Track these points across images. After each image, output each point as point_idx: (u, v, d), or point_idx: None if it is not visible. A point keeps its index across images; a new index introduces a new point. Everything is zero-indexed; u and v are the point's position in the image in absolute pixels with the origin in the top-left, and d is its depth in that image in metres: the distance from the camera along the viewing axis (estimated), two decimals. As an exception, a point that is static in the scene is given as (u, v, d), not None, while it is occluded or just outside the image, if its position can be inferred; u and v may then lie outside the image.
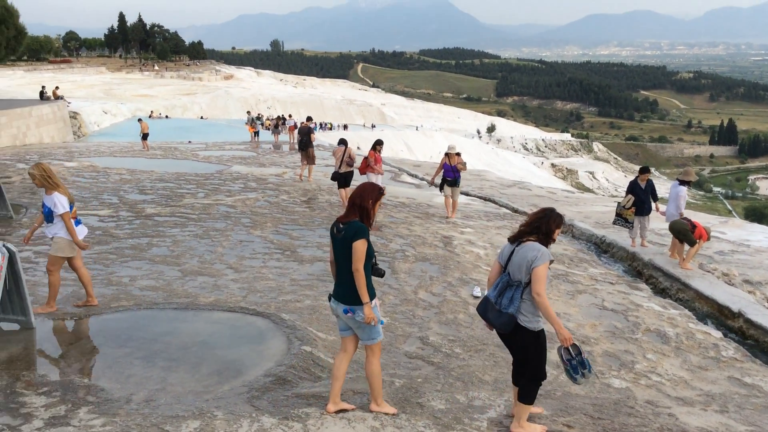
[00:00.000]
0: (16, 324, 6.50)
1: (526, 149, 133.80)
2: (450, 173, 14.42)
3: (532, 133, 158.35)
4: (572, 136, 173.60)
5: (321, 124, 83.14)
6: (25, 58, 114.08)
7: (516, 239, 4.99)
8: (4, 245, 6.11)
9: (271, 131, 37.86)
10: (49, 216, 7.02)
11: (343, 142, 15.04)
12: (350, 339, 5.05)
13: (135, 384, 5.39)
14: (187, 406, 5.02)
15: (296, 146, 22.03)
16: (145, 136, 29.08)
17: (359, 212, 4.82)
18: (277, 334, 6.72)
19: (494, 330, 5.07)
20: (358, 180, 13.17)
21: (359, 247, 4.69)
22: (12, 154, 23.80)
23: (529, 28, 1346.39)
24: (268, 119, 42.91)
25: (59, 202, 6.94)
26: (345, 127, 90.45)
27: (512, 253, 4.93)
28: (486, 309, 5.00)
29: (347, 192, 14.88)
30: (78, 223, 7.27)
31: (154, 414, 4.84)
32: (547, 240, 4.93)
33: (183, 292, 8.04)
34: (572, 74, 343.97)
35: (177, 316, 7.22)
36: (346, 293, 4.83)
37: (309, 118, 21.75)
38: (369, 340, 4.93)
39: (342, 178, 14.54)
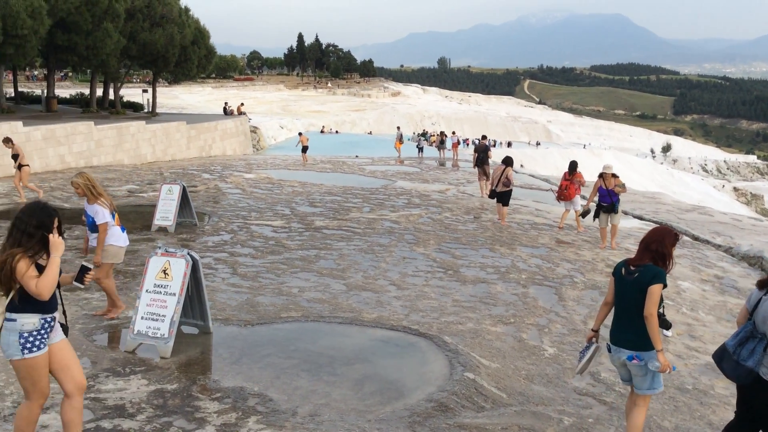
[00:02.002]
0: (195, 328, 6.90)
1: (705, 171, 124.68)
2: (606, 198, 12.73)
3: (712, 153, 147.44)
4: (758, 158, 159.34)
5: (497, 142, 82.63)
6: (214, 75, 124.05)
7: (763, 285, 4.51)
8: (188, 253, 6.50)
9: (436, 147, 38.11)
10: (93, 226, 7.03)
11: (506, 161, 15.19)
12: None
13: (301, 397, 5.48)
14: (350, 425, 5.01)
15: (458, 163, 22.69)
16: (304, 149, 30.18)
17: (654, 256, 4.67)
18: (439, 358, 6.59)
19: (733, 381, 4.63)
20: (551, 204, 12.82)
21: (656, 290, 4.54)
22: (198, 164, 25.80)
23: (712, 42, 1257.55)
24: (433, 135, 43.26)
25: (101, 212, 6.96)
26: (509, 144, 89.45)
27: (759, 301, 4.43)
28: (722, 358, 4.57)
29: (505, 210, 15.06)
30: (123, 230, 7.29)
31: (319, 430, 4.88)
32: None
33: (348, 307, 8.16)
34: (760, 92, 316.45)
35: (342, 331, 7.32)
36: (631, 338, 4.68)
37: (484, 137, 22.69)
38: (649, 390, 4.76)
39: (500, 196, 14.95)
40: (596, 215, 12.96)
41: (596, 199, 13.05)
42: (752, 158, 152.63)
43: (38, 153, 21.02)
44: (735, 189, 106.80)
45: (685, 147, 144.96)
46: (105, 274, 7.10)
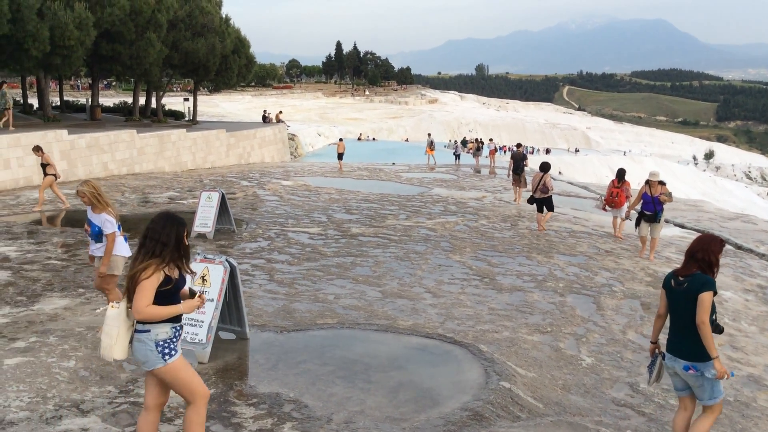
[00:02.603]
0: (232, 334, 6.99)
1: (749, 178, 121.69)
2: (650, 206, 12.23)
3: (757, 160, 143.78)
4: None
5: (534, 149, 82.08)
6: (253, 84, 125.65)
7: None
8: (226, 259, 6.59)
9: (472, 154, 37.99)
10: (99, 236, 6.88)
11: (544, 167, 15.18)
12: (689, 398, 4.91)
13: (336, 404, 5.50)
14: (383, 432, 5.01)
15: (495, 170, 22.92)
16: (340, 156, 30.16)
17: (701, 265, 4.72)
18: (475, 366, 6.55)
19: None
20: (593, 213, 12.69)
21: (707, 298, 4.58)
22: (237, 171, 26.15)
23: (757, 48, 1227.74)
24: (470, 142, 43.13)
25: (109, 222, 6.81)
26: (547, 151, 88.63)
27: None
28: None
29: (544, 217, 15.05)
30: (125, 239, 7.16)
31: (353, 437, 4.89)
32: None
33: (383, 314, 8.17)
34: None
35: (377, 338, 7.33)
36: (686, 348, 4.71)
37: (519, 145, 23.24)
38: (710, 400, 4.75)
39: (538, 203, 15.01)
40: (637, 223, 12.62)
41: (639, 207, 12.65)
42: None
43: (82, 161, 21.54)
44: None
45: (729, 154, 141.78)
46: (113, 284, 7.01)
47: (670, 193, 12.38)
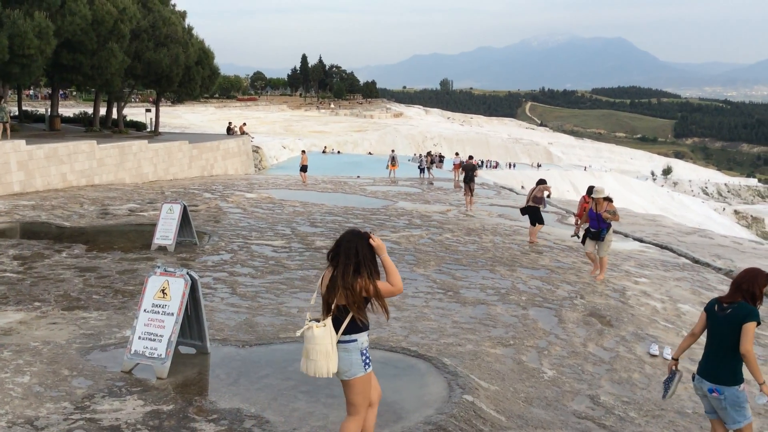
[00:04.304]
0: (193, 348, 6.87)
1: (706, 194, 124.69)
2: (594, 223, 11.72)
3: (713, 176, 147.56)
4: (759, 181, 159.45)
5: (484, 162, 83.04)
6: (217, 95, 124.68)
7: None
8: (187, 272, 6.49)
9: (425, 168, 38.23)
10: None
11: (540, 181, 16.05)
12: (718, 421, 5.03)
13: (298, 419, 5.44)
14: (346, 447, 4.96)
15: (460, 185, 23.84)
16: (304, 168, 29.75)
17: (745, 295, 4.89)
18: (438, 380, 6.55)
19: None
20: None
21: (751, 328, 4.75)
22: (200, 183, 25.86)
23: (713, 66, 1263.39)
24: (426, 156, 43.38)
25: None
26: (512, 165, 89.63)
27: None
28: None
29: (534, 230, 15.66)
30: None
31: (315, 452, 4.83)
32: None
33: (347, 328, 8.11)
34: (761, 115, 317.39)
35: (340, 352, 7.27)
36: (715, 371, 4.87)
37: (471, 157, 25.57)
38: (734, 424, 4.89)
39: (528, 212, 15.73)
40: (583, 240, 12.37)
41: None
42: (753, 181, 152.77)
43: (40, 171, 21.08)
44: (736, 212, 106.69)
45: (686, 170, 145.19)
46: None
47: (614, 211, 11.76)
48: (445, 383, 6.45)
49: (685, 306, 10.74)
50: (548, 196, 16.16)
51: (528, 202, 15.88)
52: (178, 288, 6.38)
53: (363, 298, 4.20)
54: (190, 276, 6.47)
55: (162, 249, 12.03)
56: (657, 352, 8.11)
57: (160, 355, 6.16)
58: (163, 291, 6.41)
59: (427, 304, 9.51)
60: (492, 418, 5.78)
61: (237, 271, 10.87)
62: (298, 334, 4.31)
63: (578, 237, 13.06)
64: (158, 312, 6.35)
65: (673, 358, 5.32)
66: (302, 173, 29.81)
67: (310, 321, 4.23)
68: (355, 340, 4.23)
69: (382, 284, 4.24)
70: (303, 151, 34.42)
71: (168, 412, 5.40)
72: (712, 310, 4.98)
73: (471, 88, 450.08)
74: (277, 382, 6.22)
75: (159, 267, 6.64)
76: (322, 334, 4.16)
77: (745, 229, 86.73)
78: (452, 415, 5.68)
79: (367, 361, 4.28)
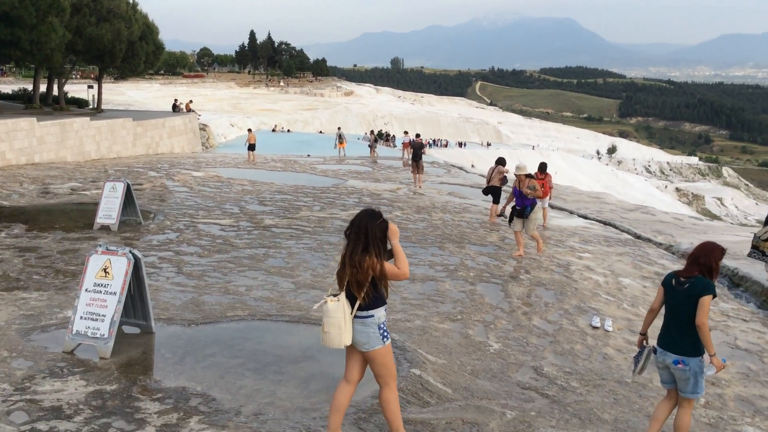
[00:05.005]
0: (137, 328, 6.75)
1: (649, 172, 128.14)
2: (518, 200, 11.61)
3: (656, 155, 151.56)
4: (700, 159, 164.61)
5: (435, 141, 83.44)
6: (162, 72, 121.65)
7: None
8: (130, 251, 6.36)
9: (369, 146, 38.28)
10: None
11: (499, 161, 16.28)
12: (675, 390, 5.16)
13: (245, 396, 5.42)
14: (294, 423, 4.98)
15: (410, 161, 24.04)
16: (251, 147, 29.38)
17: (702, 269, 4.99)
18: (386, 354, 6.59)
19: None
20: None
21: (708, 301, 4.86)
22: (145, 162, 25.30)
23: (657, 47, 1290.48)
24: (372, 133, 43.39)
25: None
26: (462, 144, 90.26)
27: None
28: None
29: (495, 208, 15.93)
30: None
31: (262, 429, 4.83)
32: None
33: (295, 305, 8.10)
34: (703, 95, 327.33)
35: (289, 329, 7.27)
36: (678, 344, 4.97)
37: (418, 135, 26.49)
38: (693, 394, 5.02)
39: (491, 192, 16.09)
40: (510, 219, 12.13)
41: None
42: (694, 160, 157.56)
43: (-24, 149, 20.29)
44: (677, 189, 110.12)
45: (630, 149, 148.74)
46: None
47: (534, 186, 11.53)
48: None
49: (626, 280, 11.05)
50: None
51: (488, 182, 16.07)
52: (120, 267, 6.26)
53: (370, 277, 4.40)
54: (133, 254, 6.35)
55: (105, 228, 11.76)
56: (598, 324, 8.34)
57: (103, 334, 6.05)
58: (105, 270, 6.28)
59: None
60: (439, 390, 5.87)
61: (183, 250, 10.71)
62: (315, 307, 4.53)
63: (505, 216, 12.80)
64: (100, 291, 6.22)
65: (640, 333, 5.43)
66: (250, 152, 29.42)
67: (329, 295, 4.45)
68: (372, 315, 4.45)
69: (389, 266, 4.48)
70: (249, 130, 33.97)
71: (111, 391, 5.31)
72: (670, 284, 5.09)
73: (422, 67, 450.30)
74: (224, 360, 6.18)
75: (101, 246, 6.50)
76: (335, 308, 4.38)
77: (686, 206, 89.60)
78: (400, 388, 5.73)
79: (385, 334, 4.49)
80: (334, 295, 4.46)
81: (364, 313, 4.44)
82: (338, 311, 4.38)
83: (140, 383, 5.52)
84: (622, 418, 5.81)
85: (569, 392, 6.27)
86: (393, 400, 4.60)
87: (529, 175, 11.86)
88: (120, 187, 12.05)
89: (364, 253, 4.38)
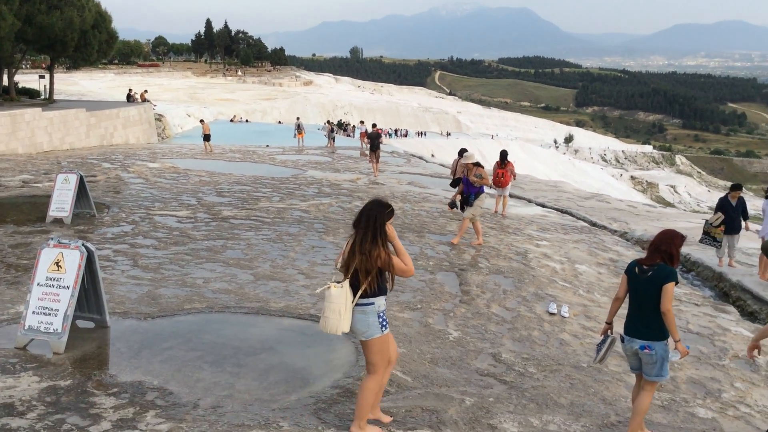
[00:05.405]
0: (91, 322, 6.63)
1: (605, 161, 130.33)
2: (465, 188, 11.77)
3: (611, 144, 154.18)
4: (654, 148, 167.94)
5: (395, 131, 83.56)
6: (116, 61, 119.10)
7: None
8: (83, 244, 6.23)
9: (326, 136, 38.14)
10: None
11: (461, 152, 15.32)
12: (641, 375, 5.29)
13: (203, 389, 5.37)
14: (253, 414, 4.96)
15: (367, 151, 24.36)
16: (206, 137, 28.94)
17: (664, 256, 5.08)
18: (346, 344, 6.61)
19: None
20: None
21: (671, 288, 4.95)
22: (99, 153, 24.77)
23: (613, 37, 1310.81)
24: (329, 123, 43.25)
25: None
26: (422, 134, 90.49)
27: None
28: None
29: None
30: None
31: (221, 421, 4.80)
32: None
33: (254, 297, 8.05)
34: (656, 85, 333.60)
35: (247, 321, 7.23)
36: (643, 330, 5.08)
37: (374, 125, 27.07)
38: (658, 377, 5.15)
39: (457, 184, 15.33)
40: (461, 207, 12.12)
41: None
42: (648, 148, 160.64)
43: None
44: (632, 178, 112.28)
45: (586, 138, 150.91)
46: None
47: (481, 174, 11.59)
48: (353, 348, 6.52)
49: (582, 266, 11.25)
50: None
51: (454, 174, 15.62)
52: (73, 260, 6.13)
53: (378, 266, 4.47)
54: (86, 247, 6.22)
55: (58, 221, 11.49)
56: (555, 311, 8.48)
57: (56, 329, 5.93)
58: (57, 264, 6.14)
59: (336, 272, 9.54)
60: (398, 379, 5.90)
61: (139, 242, 10.53)
62: (318, 291, 4.63)
63: (457, 206, 12.83)
64: (53, 285, 6.09)
65: (606, 322, 5.54)
66: (206, 143, 29.01)
67: (332, 282, 4.50)
68: (372, 303, 4.52)
69: (397, 260, 4.56)
70: (202, 120, 33.52)
71: (66, 387, 5.21)
72: (633, 272, 5.18)
73: (381, 57, 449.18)
74: (181, 354, 6.11)
75: (53, 239, 6.35)
76: (338, 294, 4.44)
77: (640, 194, 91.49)
78: (359, 378, 5.76)
79: (384, 323, 4.56)
80: (338, 282, 4.51)
81: (365, 301, 4.50)
82: (340, 298, 4.44)
83: (95, 378, 5.43)
84: (578, 402, 5.92)
85: (527, 378, 6.37)
86: (374, 389, 4.67)
87: (477, 164, 11.93)
88: (73, 179, 11.78)
89: (374, 242, 4.50)
